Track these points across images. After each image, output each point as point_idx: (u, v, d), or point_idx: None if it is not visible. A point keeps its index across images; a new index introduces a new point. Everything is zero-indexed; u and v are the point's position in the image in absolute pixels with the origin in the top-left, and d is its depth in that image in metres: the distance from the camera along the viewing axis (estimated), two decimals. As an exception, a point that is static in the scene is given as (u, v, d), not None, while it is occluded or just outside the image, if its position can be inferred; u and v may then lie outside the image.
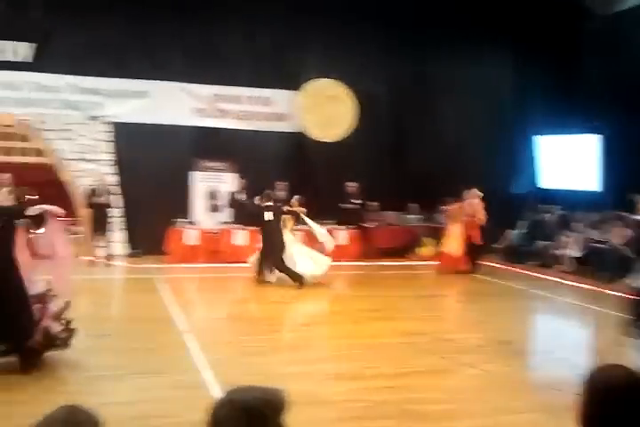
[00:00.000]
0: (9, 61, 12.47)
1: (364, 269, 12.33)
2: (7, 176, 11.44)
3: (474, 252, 12.00)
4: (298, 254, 10.36)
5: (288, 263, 10.17)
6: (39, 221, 5.69)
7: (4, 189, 5.76)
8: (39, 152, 12.55)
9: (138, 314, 7.99)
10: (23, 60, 12.56)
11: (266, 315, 8.45)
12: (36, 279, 5.74)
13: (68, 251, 6.18)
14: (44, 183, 11.25)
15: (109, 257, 12.02)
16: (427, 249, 13.52)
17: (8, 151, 12.45)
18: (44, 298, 5.68)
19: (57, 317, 5.69)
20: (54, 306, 5.72)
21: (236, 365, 5.86)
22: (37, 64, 12.60)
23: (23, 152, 12.53)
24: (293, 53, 13.70)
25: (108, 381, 5.26)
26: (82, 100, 12.82)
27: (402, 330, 7.42)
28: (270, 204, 10.61)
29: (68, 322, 5.75)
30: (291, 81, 13.74)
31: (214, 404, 1.66)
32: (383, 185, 13.60)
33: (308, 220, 10.92)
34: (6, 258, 5.43)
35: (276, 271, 10.39)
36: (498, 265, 12.68)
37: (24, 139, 12.51)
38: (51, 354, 5.64)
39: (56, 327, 5.65)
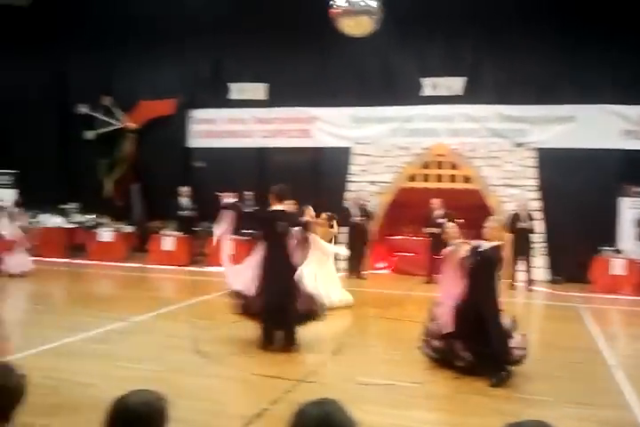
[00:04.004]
0: (443, 96, 13.64)
1: None
2: (438, 201, 12.49)
3: None
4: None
5: None
6: None
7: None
8: (467, 179, 13.37)
9: (561, 342, 7.89)
10: (455, 94, 13.62)
11: None
12: None
13: None
14: (471, 208, 11.96)
15: (530, 282, 12.10)
16: None
17: (439, 178, 13.56)
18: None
19: (510, 333, 6.08)
20: (506, 321, 6.12)
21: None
22: (467, 96, 13.51)
23: (452, 179, 13.50)
24: None
25: (540, 406, 5.33)
26: (508, 128, 13.27)
27: None
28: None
29: (524, 340, 6.09)
30: None
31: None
32: None
33: None
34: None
35: None
36: None
37: (454, 166, 13.49)
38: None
39: (514, 343, 6.01)
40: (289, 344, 6.89)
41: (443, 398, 5.66)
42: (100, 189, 15.56)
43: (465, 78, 13.54)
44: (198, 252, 13.92)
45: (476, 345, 5.94)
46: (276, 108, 14.63)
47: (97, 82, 15.54)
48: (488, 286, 6.03)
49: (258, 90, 14.94)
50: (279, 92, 14.61)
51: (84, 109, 15.66)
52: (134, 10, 14.83)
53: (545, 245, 12.70)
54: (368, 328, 8.48)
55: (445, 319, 6.12)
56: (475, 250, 6.02)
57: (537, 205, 12.83)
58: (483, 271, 5.98)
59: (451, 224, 6.83)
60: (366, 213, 13.13)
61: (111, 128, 15.61)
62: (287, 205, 7.34)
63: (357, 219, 12.98)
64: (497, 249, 6.04)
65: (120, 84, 15.62)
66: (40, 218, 14.91)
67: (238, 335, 7.43)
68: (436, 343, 6.27)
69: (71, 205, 15.30)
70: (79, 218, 15.07)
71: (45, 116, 16.02)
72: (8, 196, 14.78)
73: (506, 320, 6.10)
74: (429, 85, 13.74)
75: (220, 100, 15.10)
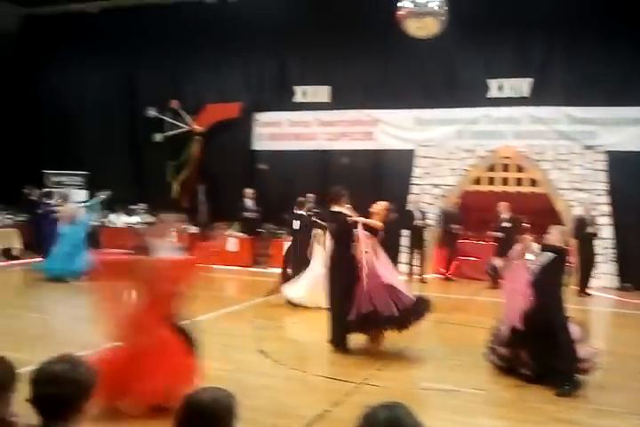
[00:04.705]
0: (509, 97, 13.39)
1: None
2: (505, 204, 12.28)
3: None
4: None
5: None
6: None
7: None
8: (534, 182, 13.09)
9: (631, 351, 7.62)
10: (521, 96, 13.34)
11: None
12: None
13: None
14: (538, 212, 11.70)
15: (593, 289, 11.74)
16: None
17: (505, 181, 13.33)
18: None
19: (581, 341, 5.93)
20: (575, 330, 5.96)
21: None
22: (534, 98, 13.22)
23: (518, 182, 13.25)
24: None
25: (609, 417, 5.17)
26: (576, 131, 12.92)
27: None
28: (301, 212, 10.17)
29: (594, 350, 5.94)
30: None
31: None
32: None
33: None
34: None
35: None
36: None
37: (520, 169, 13.23)
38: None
39: (583, 352, 5.86)
40: (331, 342, 6.91)
41: (507, 405, 5.56)
42: (167, 191, 15.92)
43: (532, 80, 13.26)
44: (261, 253, 14.08)
45: (543, 353, 5.80)
46: (340, 111, 14.65)
47: (165, 85, 15.93)
48: (555, 291, 5.89)
49: (322, 92, 15.00)
50: (343, 94, 14.63)
51: (152, 112, 16.05)
52: (201, 14, 15.16)
53: (614, 251, 12.31)
54: (431, 333, 8.39)
55: (514, 316, 5.97)
56: (546, 246, 5.93)
57: (606, 209, 12.45)
58: (550, 274, 5.85)
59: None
60: (452, 218, 13.03)
61: (179, 131, 15.96)
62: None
63: (419, 222, 12.89)
64: (565, 251, 5.93)
65: (187, 88, 15.96)
66: (110, 218, 15.39)
67: (300, 336, 7.48)
68: (502, 351, 6.16)
69: (140, 206, 15.72)
70: (147, 218, 15.45)
71: (115, 118, 16.52)
72: (79, 196, 15.31)
73: (575, 328, 5.93)
74: (495, 87, 13.51)
75: (285, 102, 15.23)
